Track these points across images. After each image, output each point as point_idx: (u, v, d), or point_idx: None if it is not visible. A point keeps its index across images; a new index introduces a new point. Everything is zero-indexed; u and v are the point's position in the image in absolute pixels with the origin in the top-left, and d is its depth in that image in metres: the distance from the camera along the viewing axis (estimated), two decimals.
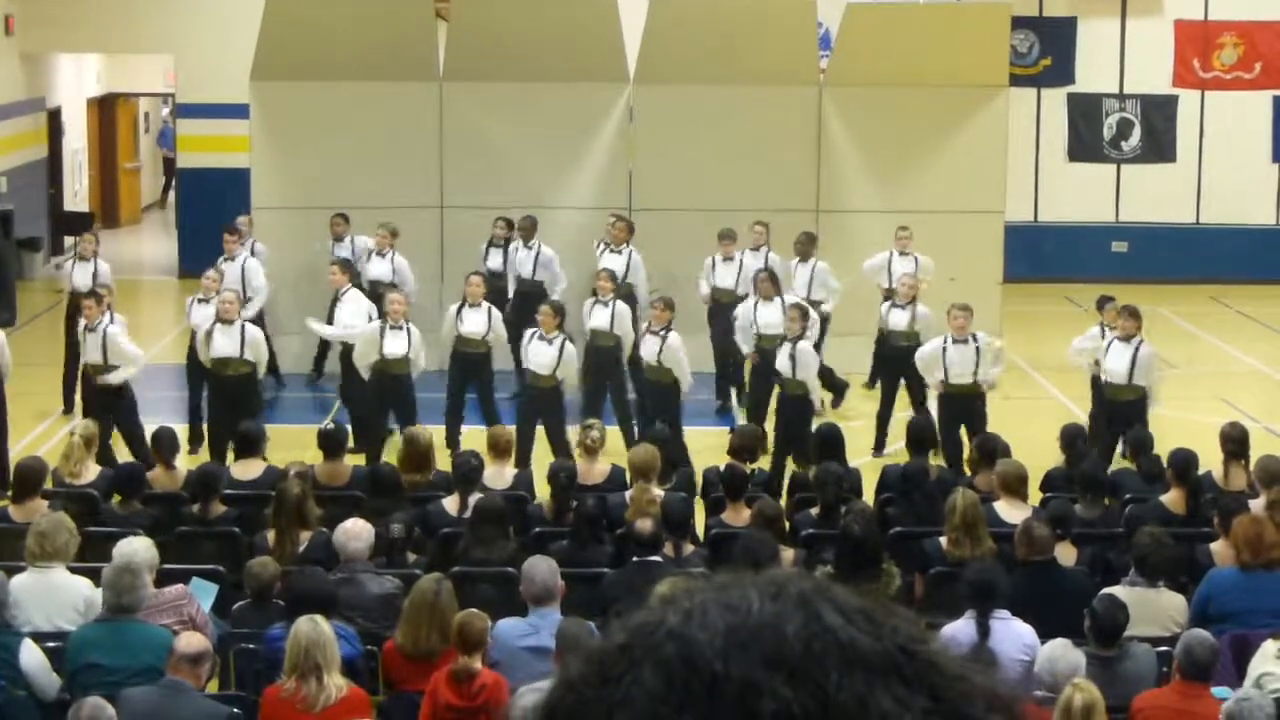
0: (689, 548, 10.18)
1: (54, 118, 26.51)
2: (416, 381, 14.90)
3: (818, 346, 15.31)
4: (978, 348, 14.43)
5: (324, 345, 17.72)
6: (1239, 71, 25.59)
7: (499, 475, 11.62)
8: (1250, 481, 11.43)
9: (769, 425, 14.69)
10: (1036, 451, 12.70)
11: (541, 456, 13.73)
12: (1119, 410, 14.20)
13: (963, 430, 14.11)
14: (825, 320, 16.72)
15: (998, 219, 19.22)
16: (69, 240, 25.17)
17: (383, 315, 14.86)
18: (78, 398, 15.37)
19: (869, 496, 11.76)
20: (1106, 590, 9.03)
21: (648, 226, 18.31)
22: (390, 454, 13.41)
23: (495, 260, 17.73)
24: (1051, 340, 19.90)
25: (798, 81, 18.87)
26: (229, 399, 14.33)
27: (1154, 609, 9.19)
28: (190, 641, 7.82)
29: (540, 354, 14.47)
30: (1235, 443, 11.94)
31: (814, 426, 13.41)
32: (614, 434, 14.32)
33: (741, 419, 15.78)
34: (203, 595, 9.24)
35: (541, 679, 7.13)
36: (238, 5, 22.09)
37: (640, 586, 8.51)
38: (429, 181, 18.91)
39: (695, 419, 15.73)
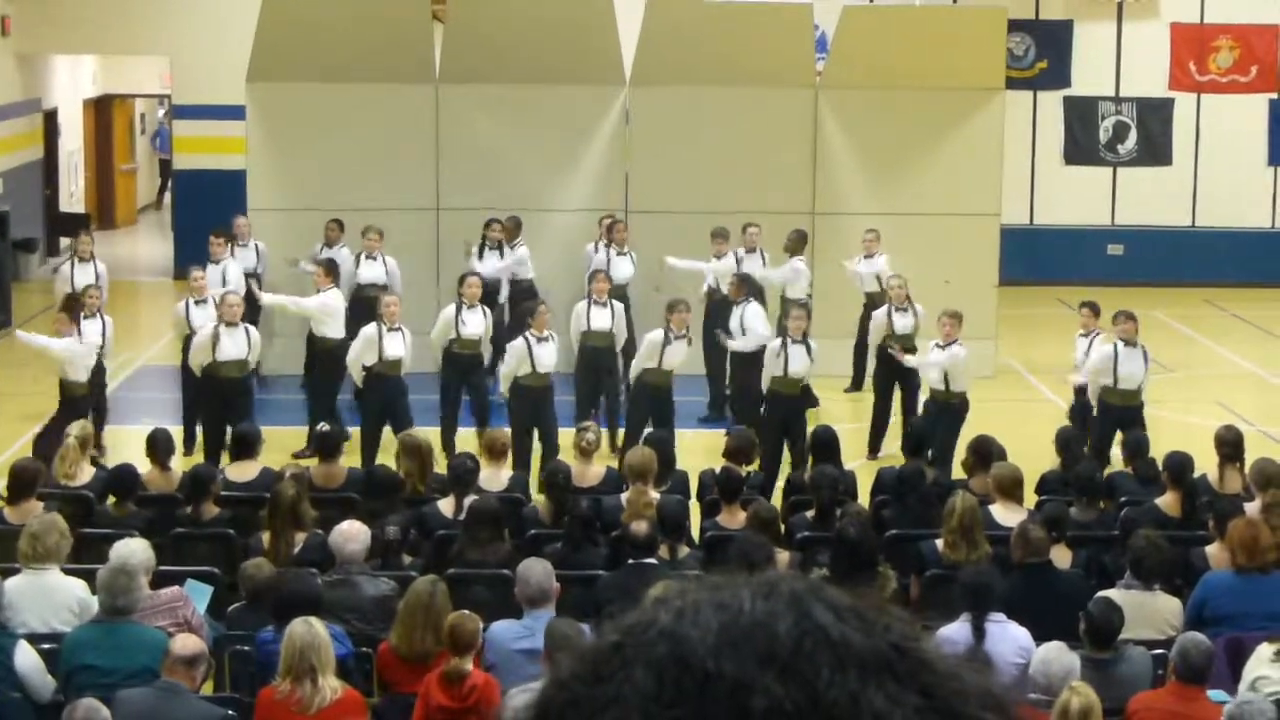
0: (684, 550, 10.18)
1: (50, 119, 26.51)
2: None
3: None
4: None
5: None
6: (1235, 75, 25.61)
7: (494, 477, 11.61)
8: (1245, 484, 11.42)
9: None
10: (1032, 454, 12.69)
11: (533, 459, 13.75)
12: (1128, 414, 14.21)
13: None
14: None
15: (993, 221, 19.21)
16: (64, 242, 25.17)
17: (379, 318, 14.81)
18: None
19: (864, 499, 11.77)
20: (1102, 593, 9.02)
21: (644, 228, 18.32)
22: (387, 457, 13.39)
23: (490, 263, 17.65)
24: (1047, 343, 19.91)
25: (794, 84, 18.87)
26: (224, 400, 14.33)
27: (1149, 612, 9.19)
28: (185, 643, 7.80)
29: (541, 354, 14.46)
30: (1230, 446, 11.94)
31: (810, 429, 13.44)
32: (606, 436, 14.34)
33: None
34: (198, 597, 9.22)
35: (536, 681, 7.11)
36: (234, 7, 22.08)
37: (635, 589, 8.47)
38: (425, 183, 18.89)
39: (688, 422, 15.74)
